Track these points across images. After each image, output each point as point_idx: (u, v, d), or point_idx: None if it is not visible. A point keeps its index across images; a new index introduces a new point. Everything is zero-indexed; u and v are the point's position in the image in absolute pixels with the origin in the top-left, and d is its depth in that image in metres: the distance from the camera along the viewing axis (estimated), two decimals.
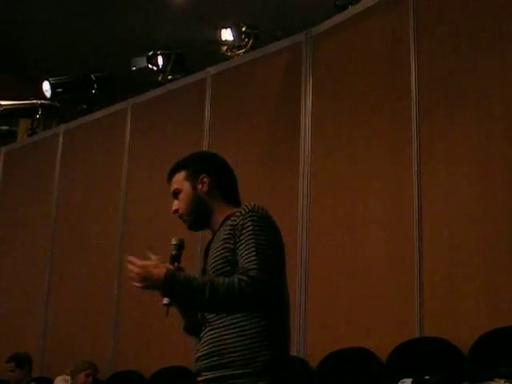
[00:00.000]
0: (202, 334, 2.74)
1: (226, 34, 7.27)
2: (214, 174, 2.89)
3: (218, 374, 2.64)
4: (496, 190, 4.95)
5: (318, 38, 6.35)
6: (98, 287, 7.38)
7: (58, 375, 6.66)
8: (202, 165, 2.92)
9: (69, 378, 6.47)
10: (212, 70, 7.12)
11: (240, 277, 2.56)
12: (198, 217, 2.86)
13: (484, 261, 4.89)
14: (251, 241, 2.64)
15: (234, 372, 2.61)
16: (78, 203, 7.94)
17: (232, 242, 2.68)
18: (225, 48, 7.24)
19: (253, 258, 2.61)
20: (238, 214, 2.72)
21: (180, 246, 2.81)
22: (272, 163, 6.40)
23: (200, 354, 2.72)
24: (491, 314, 4.75)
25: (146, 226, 7.16)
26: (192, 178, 2.88)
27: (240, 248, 2.65)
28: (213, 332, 2.68)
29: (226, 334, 2.64)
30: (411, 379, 4.44)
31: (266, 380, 2.60)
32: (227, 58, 7.20)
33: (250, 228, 2.66)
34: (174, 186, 2.91)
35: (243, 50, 7.12)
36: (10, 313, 8.11)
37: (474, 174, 5.07)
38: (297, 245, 5.85)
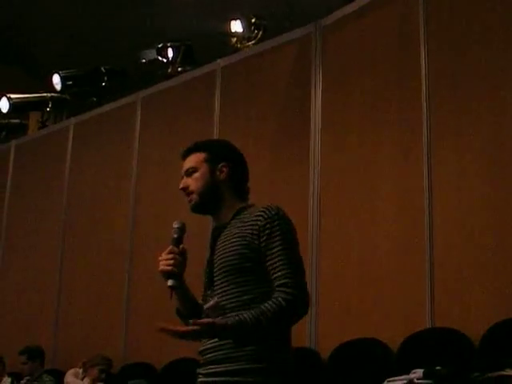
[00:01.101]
0: None
1: (236, 26, 7.28)
2: (233, 166, 2.87)
3: (228, 368, 2.62)
4: (507, 183, 4.93)
5: (327, 29, 6.33)
6: (109, 280, 7.40)
7: (70, 368, 6.69)
8: (223, 153, 2.89)
9: (80, 370, 6.49)
10: (222, 61, 7.11)
11: (284, 296, 2.55)
12: (207, 200, 2.82)
13: (495, 252, 4.88)
14: (283, 248, 2.63)
15: (245, 366, 2.59)
16: (89, 195, 7.96)
17: (256, 241, 2.66)
18: (234, 40, 7.24)
19: (289, 268, 2.60)
20: (261, 213, 2.68)
21: (182, 229, 2.80)
22: (282, 155, 6.39)
23: (208, 345, 2.69)
24: (502, 304, 4.74)
25: (156, 218, 7.17)
26: (212, 162, 2.84)
27: (272, 254, 2.63)
28: None
29: None
30: (422, 370, 4.44)
31: (278, 377, 2.60)
32: (237, 50, 7.21)
33: (279, 234, 2.64)
34: (191, 164, 2.86)
35: (253, 42, 7.13)
36: (23, 307, 8.14)
37: (485, 168, 5.06)
38: (307, 237, 5.84)
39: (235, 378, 2.60)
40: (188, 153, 2.90)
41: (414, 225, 5.31)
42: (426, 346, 4.91)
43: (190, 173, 2.85)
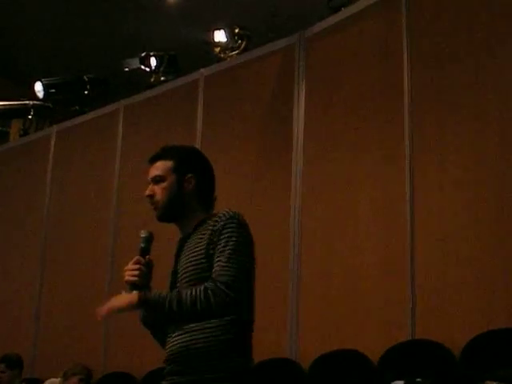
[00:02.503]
0: (170, 336, 2.72)
1: (219, 36, 7.27)
2: (200, 176, 2.87)
3: (187, 378, 2.63)
4: (487, 195, 4.94)
5: (311, 39, 6.35)
6: (89, 289, 7.35)
7: (49, 377, 6.63)
8: (191, 163, 2.89)
9: (58, 380, 6.44)
10: (205, 71, 7.11)
11: (208, 285, 2.58)
12: (172, 211, 2.84)
13: (476, 264, 4.88)
14: (227, 248, 2.65)
15: (205, 376, 2.59)
16: (71, 204, 7.92)
17: (211, 247, 2.68)
18: (218, 49, 7.24)
19: (225, 266, 2.62)
20: (217, 219, 2.72)
21: (149, 239, 2.81)
22: (264, 165, 6.39)
23: (167, 356, 2.72)
24: (482, 316, 4.75)
25: (138, 227, 7.11)
26: (180, 173, 2.85)
27: (216, 252, 2.66)
28: (184, 336, 2.66)
29: (197, 339, 2.63)
30: (403, 381, 4.44)
31: None
32: (220, 60, 7.20)
33: (227, 235, 2.67)
34: (158, 172, 2.87)
35: (236, 52, 7.13)
36: (2, 315, 8.08)
37: (467, 179, 5.06)
38: (289, 247, 5.83)
39: None
40: (156, 158, 2.90)
41: (396, 236, 5.31)
42: (406, 358, 4.91)
43: (157, 181, 2.86)
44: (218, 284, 2.57)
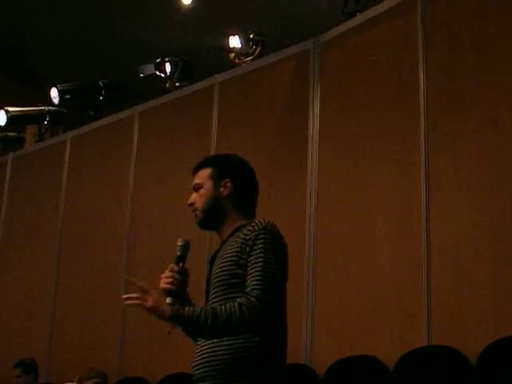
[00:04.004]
0: (199, 344, 2.74)
1: (234, 41, 7.28)
2: (238, 182, 2.90)
3: None
4: (504, 201, 4.93)
5: (325, 45, 6.35)
6: (104, 293, 7.37)
7: (64, 381, 6.65)
8: (229, 169, 2.93)
9: None
10: (219, 77, 7.12)
11: (242, 301, 2.59)
12: (210, 217, 2.87)
13: (492, 270, 4.87)
14: (260, 261, 2.66)
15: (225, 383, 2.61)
16: (85, 209, 7.94)
17: (244, 256, 2.69)
18: (233, 55, 7.24)
19: (258, 279, 2.63)
20: (250, 228, 2.74)
21: (185, 248, 2.82)
22: (279, 171, 6.39)
23: (195, 363, 2.74)
24: (499, 323, 4.73)
25: (153, 230, 7.17)
26: (216, 178, 2.89)
27: (249, 264, 2.67)
28: (208, 343, 2.69)
29: (219, 346, 2.65)
30: None
31: None
32: (235, 66, 7.21)
33: (260, 246, 2.68)
34: (197, 180, 2.92)
35: (251, 58, 7.13)
36: (17, 319, 8.11)
37: (483, 185, 5.05)
38: (304, 252, 5.83)
39: None
40: (197, 168, 2.96)
41: (412, 242, 5.30)
42: (422, 364, 4.90)
43: (196, 188, 2.90)
44: (252, 299, 2.59)
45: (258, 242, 2.69)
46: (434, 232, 5.18)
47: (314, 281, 5.79)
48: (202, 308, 2.63)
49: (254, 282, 2.62)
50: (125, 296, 2.70)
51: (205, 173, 2.92)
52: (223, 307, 2.59)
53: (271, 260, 2.67)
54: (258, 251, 2.67)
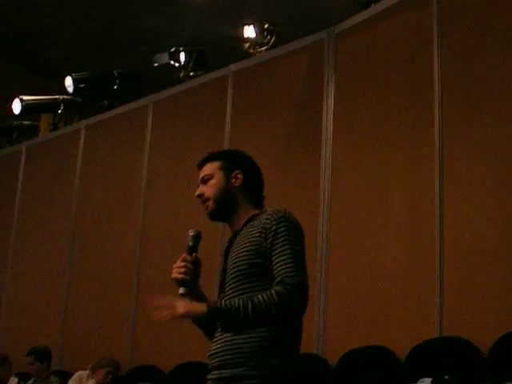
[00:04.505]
0: (216, 332, 2.74)
1: (249, 31, 7.26)
2: (248, 174, 2.91)
3: (227, 374, 2.64)
4: None
5: (340, 35, 6.33)
6: (117, 282, 7.41)
7: (77, 369, 6.68)
8: (237, 161, 2.94)
9: (86, 372, 6.49)
10: (234, 67, 7.12)
11: (279, 290, 2.57)
12: (222, 207, 2.87)
13: (505, 261, 4.86)
14: (287, 248, 2.65)
15: (244, 373, 2.60)
16: (99, 198, 7.97)
17: (264, 244, 2.69)
18: (247, 45, 7.23)
19: (290, 267, 2.62)
20: (267, 217, 2.73)
21: (197, 238, 2.82)
22: (293, 161, 6.39)
23: (212, 351, 2.73)
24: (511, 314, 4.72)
25: (166, 221, 7.18)
26: (227, 169, 2.90)
27: (274, 255, 2.66)
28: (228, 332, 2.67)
29: (240, 334, 2.64)
30: (430, 379, 4.42)
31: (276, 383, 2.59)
32: (249, 55, 7.19)
33: (284, 234, 2.68)
34: (206, 172, 2.91)
35: (265, 48, 7.12)
36: (31, 308, 8.16)
37: (496, 176, 5.04)
38: (317, 242, 5.84)
39: (238, 382, 2.61)
40: (203, 163, 2.95)
41: (425, 232, 5.30)
42: (434, 355, 4.90)
43: (205, 180, 2.90)
44: (289, 287, 2.58)
45: (281, 230, 2.68)
46: (446, 223, 5.17)
47: (326, 270, 5.79)
48: (238, 300, 2.60)
49: (286, 270, 2.61)
50: (154, 318, 2.65)
51: (214, 165, 2.91)
52: (260, 298, 2.57)
53: (297, 247, 2.68)
54: (283, 239, 2.66)
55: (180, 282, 2.72)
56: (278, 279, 2.61)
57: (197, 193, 2.91)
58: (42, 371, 6.87)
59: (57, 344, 7.60)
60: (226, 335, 2.66)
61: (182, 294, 2.69)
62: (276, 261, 2.65)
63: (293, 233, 2.70)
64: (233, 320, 2.59)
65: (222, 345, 2.67)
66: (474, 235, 5.06)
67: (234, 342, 2.63)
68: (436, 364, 4.82)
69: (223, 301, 2.63)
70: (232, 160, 2.94)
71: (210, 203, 2.87)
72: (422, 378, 4.50)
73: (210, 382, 2.72)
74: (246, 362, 2.60)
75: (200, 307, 2.61)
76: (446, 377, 4.41)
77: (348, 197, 5.91)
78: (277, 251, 2.66)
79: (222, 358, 2.67)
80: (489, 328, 4.76)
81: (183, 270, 2.74)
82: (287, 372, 2.63)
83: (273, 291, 2.57)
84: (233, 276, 2.74)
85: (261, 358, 2.60)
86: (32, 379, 6.91)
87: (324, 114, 6.21)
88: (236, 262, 2.74)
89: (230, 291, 2.73)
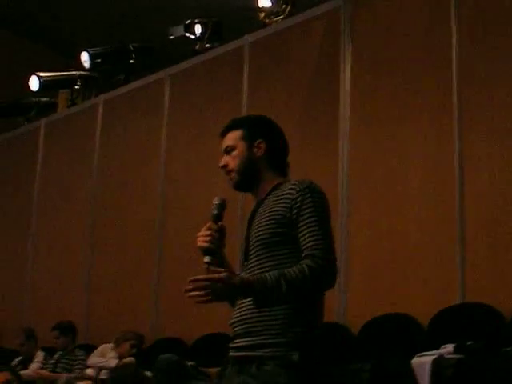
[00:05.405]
0: (238, 301, 2.75)
1: (264, 1, 7.21)
2: (270, 142, 2.88)
3: (249, 342, 2.65)
4: None
5: (356, 3, 6.28)
6: (139, 256, 7.44)
7: (102, 343, 6.75)
8: (260, 129, 2.90)
9: (109, 346, 6.55)
10: (250, 37, 7.08)
11: (310, 263, 2.55)
12: (246, 178, 2.85)
13: None
14: (314, 220, 2.63)
15: (265, 341, 2.60)
16: (118, 172, 8.00)
17: (288, 215, 2.68)
18: (262, 15, 7.18)
19: (318, 239, 2.60)
20: (292, 187, 2.70)
21: (222, 206, 2.80)
22: (311, 131, 6.37)
23: (234, 319, 2.73)
24: None
25: (185, 194, 7.20)
26: (249, 139, 2.86)
27: (301, 226, 2.64)
28: (249, 301, 2.65)
29: None
30: (453, 345, 4.43)
31: (298, 352, 2.58)
32: (265, 25, 7.15)
33: (311, 205, 2.65)
34: (229, 142, 2.88)
35: (281, 17, 7.06)
36: (55, 282, 8.22)
37: None
38: (337, 212, 5.83)
39: (255, 353, 2.61)
40: (226, 131, 2.92)
41: (446, 199, 5.28)
42: (456, 321, 4.90)
43: (228, 151, 2.88)
44: (319, 261, 2.56)
45: (307, 201, 2.65)
46: (467, 190, 5.16)
47: (347, 240, 5.79)
48: (269, 275, 2.55)
49: (314, 242, 2.59)
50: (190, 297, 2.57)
51: (236, 134, 2.88)
52: (292, 272, 2.54)
53: (324, 219, 2.66)
54: (310, 210, 2.64)
55: (205, 251, 2.71)
56: (307, 252, 2.59)
57: (221, 164, 2.89)
58: (67, 345, 6.95)
59: (81, 318, 7.67)
60: (248, 303, 2.64)
61: (206, 263, 2.67)
62: (303, 233, 2.63)
63: (319, 204, 2.67)
64: (267, 297, 2.55)
65: (244, 313, 2.68)
66: (496, 201, 5.04)
67: (256, 310, 2.63)
68: (458, 330, 4.82)
69: (256, 278, 2.58)
70: (254, 129, 2.89)
71: (234, 175, 2.86)
72: (444, 344, 4.51)
73: (231, 350, 2.74)
74: (268, 331, 2.61)
75: (234, 282, 2.53)
76: (469, 342, 4.41)
77: (367, 164, 5.89)
78: (304, 222, 2.63)
79: (244, 326, 2.67)
80: (510, 293, 4.76)
81: (208, 238, 2.72)
82: (309, 341, 2.64)
83: (304, 266, 2.54)
84: (256, 245, 2.73)
85: (283, 327, 2.60)
86: (58, 353, 6.99)
87: (341, 82, 6.18)
88: (259, 231, 2.73)
89: (253, 259, 2.73)
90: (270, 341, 2.60)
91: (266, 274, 2.56)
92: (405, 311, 5.22)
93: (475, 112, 5.28)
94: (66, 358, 6.88)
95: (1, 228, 9.16)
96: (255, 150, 2.85)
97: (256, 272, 2.66)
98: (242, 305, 2.69)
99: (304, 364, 2.59)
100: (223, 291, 2.52)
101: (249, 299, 2.62)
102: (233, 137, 2.89)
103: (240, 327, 2.69)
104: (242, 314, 2.69)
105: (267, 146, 2.86)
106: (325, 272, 2.57)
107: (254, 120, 3.01)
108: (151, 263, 7.30)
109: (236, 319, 2.72)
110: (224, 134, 2.92)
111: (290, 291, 2.53)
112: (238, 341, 2.70)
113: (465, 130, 5.27)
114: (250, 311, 2.65)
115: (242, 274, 2.71)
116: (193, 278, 2.52)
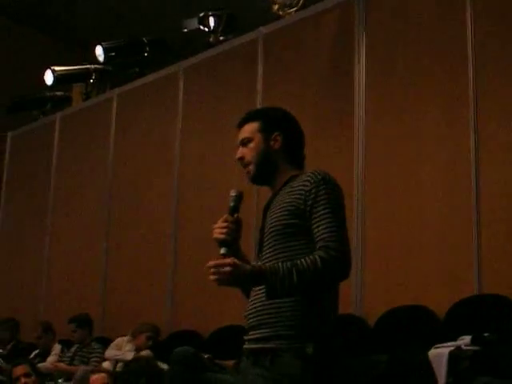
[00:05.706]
0: (253, 293, 2.74)
1: None
2: (287, 134, 2.88)
3: (263, 334, 2.65)
4: None
5: None
6: (155, 248, 7.46)
7: (118, 336, 6.77)
8: (277, 121, 2.90)
9: (127, 338, 6.57)
10: (264, 29, 7.07)
11: (322, 255, 2.54)
12: (263, 171, 2.85)
13: None
14: (328, 212, 2.63)
15: (279, 333, 2.61)
16: (134, 165, 8.01)
17: (302, 206, 2.67)
18: (276, 7, 7.16)
19: (332, 231, 2.60)
20: (307, 179, 2.70)
21: (239, 198, 2.80)
22: (325, 122, 6.35)
23: (248, 312, 2.74)
24: None
25: (200, 187, 7.20)
26: (266, 132, 2.86)
27: (315, 218, 2.64)
28: (263, 292, 2.64)
29: None
30: (470, 337, 4.41)
31: (312, 344, 2.59)
32: (279, 17, 7.13)
33: (325, 197, 2.65)
34: (245, 134, 2.89)
35: (295, 9, 7.04)
36: (71, 276, 8.25)
37: None
38: (353, 203, 5.81)
39: (269, 344, 2.62)
40: (243, 122, 2.92)
41: (460, 190, 5.26)
42: (473, 313, 4.89)
43: (245, 143, 2.88)
44: (332, 253, 2.55)
45: (321, 193, 2.66)
46: (483, 180, 5.14)
47: (363, 231, 5.78)
48: (282, 265, 2.55)
49: (328, 234, 2.59)
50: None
51: (253, 126, 2.88)
52: (304, 263, 2.54)
53: (338, 211, 2.66)
54: (324, 202, 2.64)
55: (221, 243, 2.71)
56: (321, 244, 2.59)
57: (237, 155, 2.89)
58: (83, 338, 6.98)
59: (98, 311, 7.70)
60: (262, 295, 2.64)
61: (222, 254, 2.67)
62: (317, 224, 2.63)
63: (334, 196, 2.67)
64: (278, 286, 2.55)
65: (259, 305, 2.68)
66: (511, 191, 5.02)
67: (270, 302, 2.63)
68: (475, 321, 4.81)
69: (268, 267, 2.58)
70: (271, 121, 2.89)
71: (251, 168, 2.86)
72: (461, 335, 4.49)
73: (246, 342, 2.74)
74: (282, 322, 2.61)
75: (244, 276, 2.54)
76: (486, 334, 4.40)
77: (383, 156, 5.87)
78: (318, 214, 2.63)
79: (258, 318, 2.67)
80: None
81: (225, 230, 2.72)
82: (323, 333, 2.64)
83: (317, 257, 2.54)
84: (270, 236, 2.74)
85: (297, 319, 2.60)
86: (74, 346, 7.03)
87: (355, 73, 6.16)
88: (273, 222, 2.73)
89: (267, 250, 2.74)
90: (283, 332, 2.60)
91: (279, 263, 2.56)
92: (421, 303, 5.21)
93: (491, 102, 5.25)
94: (82, 351, 6.91)
95: (17, 222, 9.21)
96: (272, 142, 2.85)
97: (270, 263, 2.66)
98: (257, 297, 2.69)
99: (318, 356, 2.59)
100: (232, 275, 2.52)
101: (262, 291, 2.62)
102: (250, 129, 2.89)
103: (254, 319, 2.69)
104: (256, 305, 2.69)
105: (284, 139, 2.86)
106: (338, 263, 2.56)
107: (271, 112, 3.00)
108: (167, 256, 7.32)
109: (250, 311, 2.72)
110: (241, 125, 2.92)
111: (302, 282, 2.53)
112: (252, 333, 2.70)
113: (480, 120, 5.24)
114: (263, 303, 2.65)
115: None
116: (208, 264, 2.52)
